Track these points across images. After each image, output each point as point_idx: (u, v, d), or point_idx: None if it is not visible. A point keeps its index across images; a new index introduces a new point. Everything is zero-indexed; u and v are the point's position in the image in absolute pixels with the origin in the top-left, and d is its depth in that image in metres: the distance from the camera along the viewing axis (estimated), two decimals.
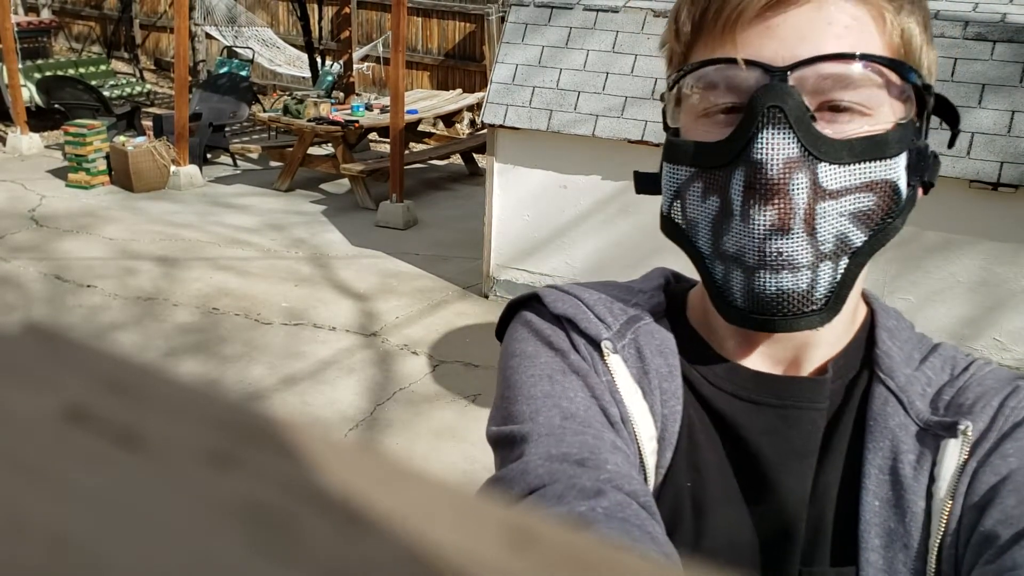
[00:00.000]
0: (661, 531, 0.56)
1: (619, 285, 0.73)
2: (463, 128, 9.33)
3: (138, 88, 10.92)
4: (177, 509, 0.12)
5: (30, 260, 5.81)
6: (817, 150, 0.57)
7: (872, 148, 0.59)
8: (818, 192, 0.58)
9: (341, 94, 9.32)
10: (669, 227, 0.66)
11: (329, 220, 6.97)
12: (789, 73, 0.57)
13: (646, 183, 0.70)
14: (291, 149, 7.84)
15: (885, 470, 0.63)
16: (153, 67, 13.09)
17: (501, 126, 5.08)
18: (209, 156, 8.43)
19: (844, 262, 0.60)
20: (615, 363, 0.66)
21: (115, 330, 4.88)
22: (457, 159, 8.64)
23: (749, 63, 0.58)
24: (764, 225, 0.58)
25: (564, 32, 4.95)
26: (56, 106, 9.01)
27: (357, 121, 7.61)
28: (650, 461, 0.64)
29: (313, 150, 7.97)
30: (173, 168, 7.54)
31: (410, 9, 9.43)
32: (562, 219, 5.18)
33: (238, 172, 8.35)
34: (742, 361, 0.67)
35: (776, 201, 0.57)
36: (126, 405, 0.14)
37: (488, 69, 8.12)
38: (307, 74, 10.24)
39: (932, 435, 0.63)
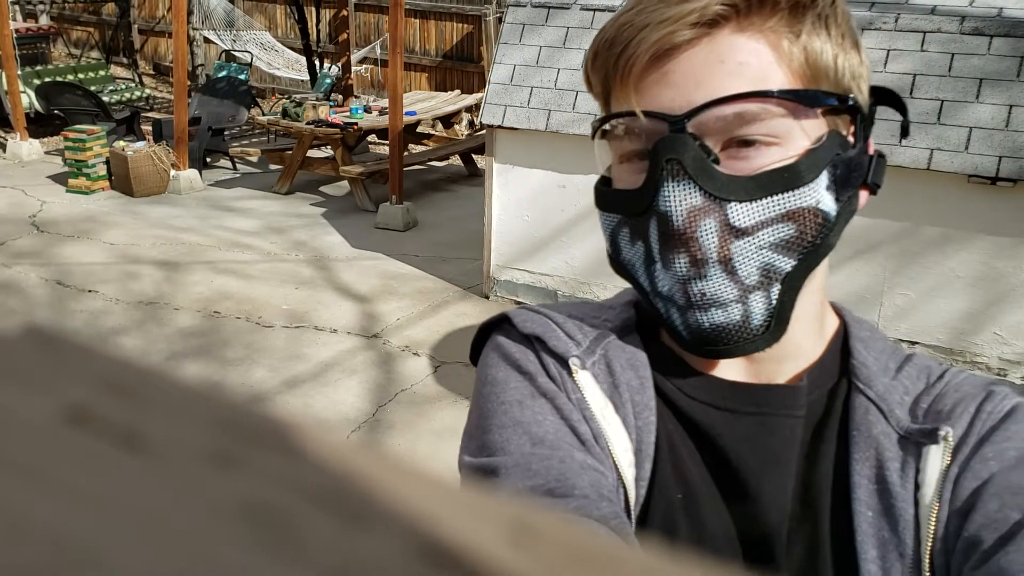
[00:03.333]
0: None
1: (591, 304, 0.74)
2: (462, 129, 9.33)
3: (137, 93, 10.93)
4: (179, 510, 0.12)
5: (31, 266, 5.81)
6: (722, 192, 0.58)
7: (782, 180, 0.59)
8: (731, 232, 0.59)
9: (340, 96, 9.32)
10: (615, 266, 0.68)
11: (329, 222, 6.97)
12: (686, 121, 0.58)
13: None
14: (290, 152, 7.84)
15: (873, 479, 0.63)
16: (152, 72, 13.09)
17: (500, 127, 5.08)
18: (209, 160, 8.44)
19: (776, 288, 0.61)
20: (584, 379, 0.66)
21: (117, 334, 4.88)
22: (456, 160, 8.64)
23: (648, 114, 0.60)
24: (681, 271, 0.60)
25: (561, 32, 4.95)
26: (56, 112, 9.02)
27: (356, 123, 7.61)
28: (628, 474, 0.64)
29: (312, 153, 7.97)
30: (173, 172, 7.55)
31: (407, 11, 9.43)
32: (562, 219, 5.18)
33: (238, 176, 8.36)
34: (716, 373, 0.68)
35: (687, 248, 0.60)
36: (127, 406, 0.14)
37: (486, 70, 8.13)
38: (306, 77, 10.24)
39: (914, 443, 0.63)
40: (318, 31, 10.78)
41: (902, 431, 0.64)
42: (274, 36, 11.23)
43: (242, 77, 9.35)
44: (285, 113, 7.77)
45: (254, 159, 8.65)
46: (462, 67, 10.99)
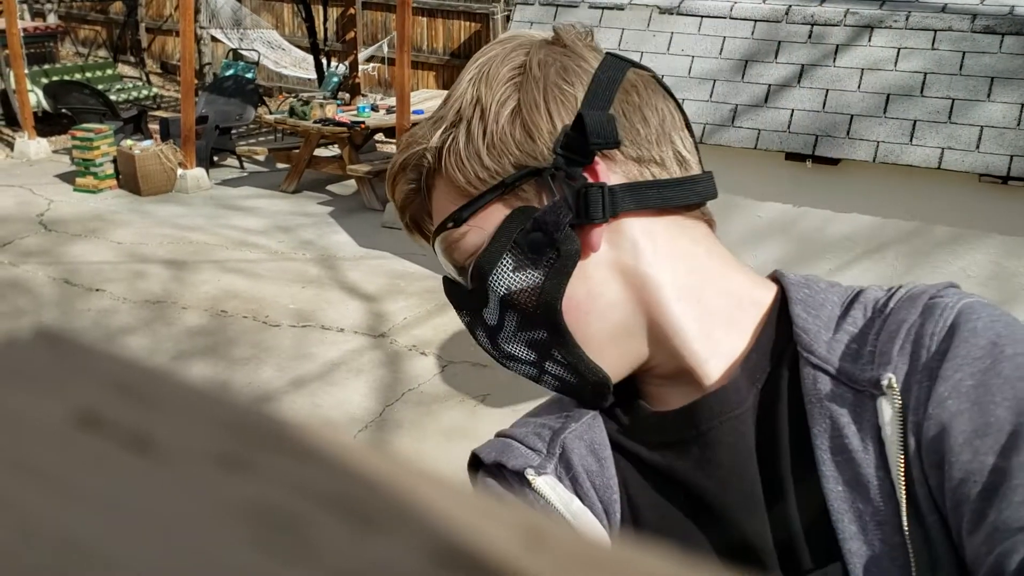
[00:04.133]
0: None
1: (556, 401, 0.75)
2: None
3: (144, 92, 10.96)
4: (188, 512, 0.12)
5: (39, 264, 5.84)
6: (468, 305, 0.70)
7: (478, 282, 0.67)
8: (491, 331, 0.69)
9: (347, 95, 9.33)
10: None
11: (336, 221, 6.98)
12: (441, 263, 0.71)
13: None
14: (297, 151, 7.85)
15: (835, 450, 0.60)
16: (159, 71, 13.13)
17: None
18: (216, 159, 8.46)
19: (558, 353, 0.67)
20: (543, 484, 0.68)
21: (124, 333, 4.90)
22: None
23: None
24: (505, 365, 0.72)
25: None
26: (63, 111, 9.05)
27: (363, 122, 7.62)
28: None
29: (319, 151, 7.99)
30: (180, 171, 7.57)
31: (415, 9, 9.44)
32: None
33: (245, 174, 8.38)
34: (672, 406, 0.68)
35: (489, 352, 0.71)
36: (137, 409, 0.14)
37: None
38: (313, 76, 10.26)
39: (868, 395, 0.59)
40: (325, 29, 10.79)
41: (853, 385, 0.60)
42: (281, 35, 11.25)
43: (249, 76, 9.37)
44: (292, 112, 7.78)
45: (261, 158, 8.67)
46: None
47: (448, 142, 0.66)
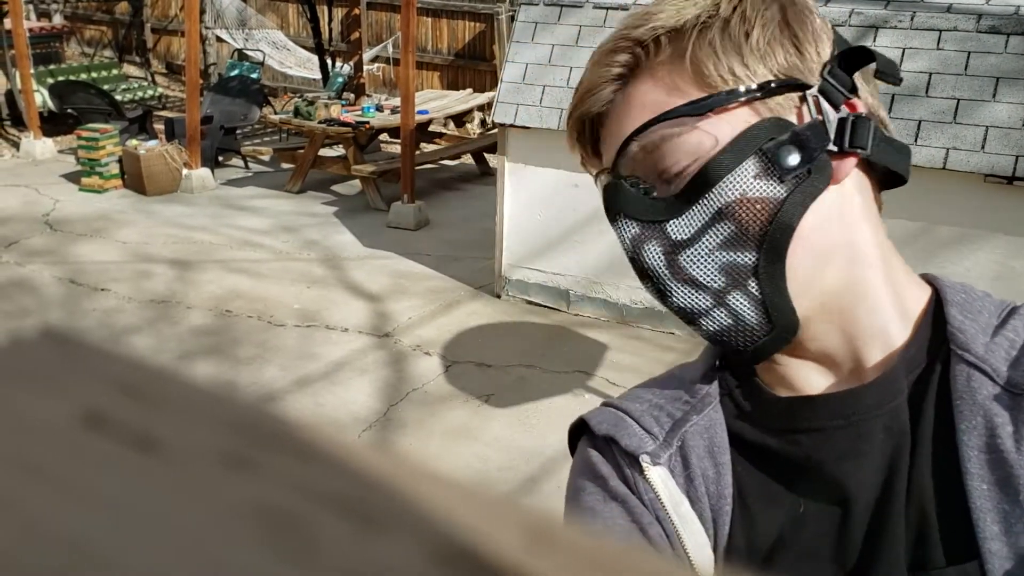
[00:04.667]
0: None
1: (675, 378, 0.73)
2: (474, 128, 9.34)
3: (150, 92, 10.99)
4: (193, 513, 0.12)
5: (45, 264, 5.85)
6: (655, 215, 0.63)
7: (697, 186, 0.61)
8: (675, 247, 0.62)
9: (351, 95, 9.35)
10: None
11: (341, 221, 6.99)
12: (613, 171, 0.65)
13: None
14: (302, 151, 7.86)
15: (985, 448, 0.59)
16: (164, 71, 13.16)
17: (512, 125, 5.08)
18: (221, 159, 8.47)
19: (752, 284, 0.61)
20: (656, 476, 0.67)
21: (129, 333, 4.91)
22: (468, 159, 8.65)
23: (596, 175, 0.68)
24: (653, 294, 0.65)
25: (574, 30, 4.95)
26: (69, 111, 9.07)
27: (368, 122, 7.63)
28: (706, 570, 0.64)
29: (324, 152, 7.99)
30: (185, 171, 7.58)
31: (420, 9, 9.44)
32: (574, 218, 5.18)
33: (250, 174, 8.39)
34: (806, 390, 0.66)
35: (646, 275, 0.64)
36: (142, 409, 0.14)
37: (498, 68, 8.13)
38: (317, 76, 10.27)
39: None
40: (330, 30, 10.81)
41: (1012, 389, 0.60)
42: (286, 35, 11.26)
43: (254, 76, 9.39)
44: (297, 112, 7.79)
45: (266, 158, 8.68)
46: (474, 66, 11.00)
47: (700, 28, 0.62)
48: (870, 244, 0.65)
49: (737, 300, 0.62)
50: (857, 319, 0.63)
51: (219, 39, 11.32)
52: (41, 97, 9.24)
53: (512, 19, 6.79)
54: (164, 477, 0.13)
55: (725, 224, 0.61)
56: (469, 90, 9.83)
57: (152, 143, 7.67)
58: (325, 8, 10.78)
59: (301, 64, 10.71)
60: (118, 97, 9.65)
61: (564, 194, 5.15)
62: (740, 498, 0.66)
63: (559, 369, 4.60)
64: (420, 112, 7.61)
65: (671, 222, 0.62)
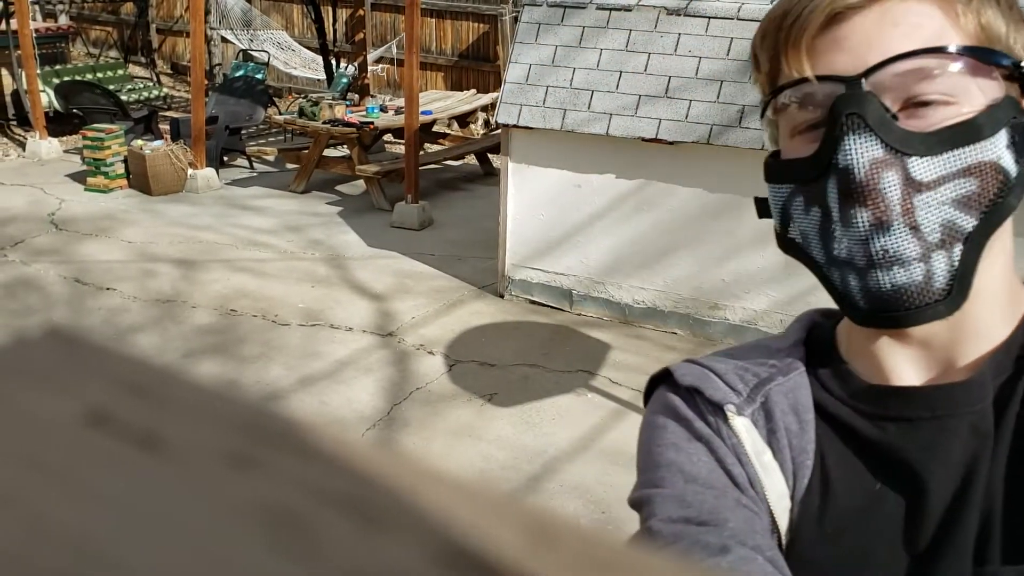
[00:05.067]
0: None
1: (760, 347, 0.74)
2: (477, 128, 9.34)
3: (155, 92, 11.01)
4: (197, 511, 0.12)
5: (50, 263, 5.87)
6: (903, 146, 0.59)
7: (962, 134, 0.59)
8: (913, 186, 0.59)
9: (356, 96, 9.35)
10: (784, 244, 0.68)
11: (345, 221, 6.99)
12: (863, 80, 0.59)
13: (765, 208, 0.70)
14: (307, 151, 7.87)
15: None
16: (170, 71, 13.18)
17: (515, 126, 5.08)
18: (226, 159, 8.48)
19: (958, 248, 0.60)
20: (740, 426, 0.68)
21: (135, 332, 4.92)
22: (472, 159, 8.65)
23: (821, 78, 0.60)
24: (865, 227, 0.60)
25: (577, 31, 4.94)
26: (74, 111, 9.09)
27: (372, 123, 7.63)
28: (783, 519, 0.66)
29: (328, 152, 8.00)
30: (190, 171, 7.60)
31: (423, 10, 9.45)
32: (577, 218, 5.17)
33: (254, 174, 8.40)
34: (891, 381, 0.66)
35: (870, 202, 0.59)
36: (146, 407, 0.14)
37: (502, 69, 8.13)
38: (322, 76, 10.28)
39: None
40: (335, 30, 10.82)
41: None
42: (291, 35, 11.27)
43: (259, 76, 9.40)
44: (301, 112, 7.80)
45: (271, 158, 8.69)
46: (478, 66, 11.00)
47: None
48: (1010, 244, 0.65)
49: (938, 260, 0.60)
50: (977, 315, 0.63)
51: (224, 40, 11.33)
52: (47, 97, 9.26)
53: (516, 20, 6.80)
54: (168, 476, 0.13)
55: (968, 182, 0.59)
56: (473, 91, 9.83)
57: (157, 143, 7.68)
58: (329, 9, 10.78)
59: (306, 65, 10.72)
60: (123, 97, 9.67)
61: (567, 194, 5.15)
62: (820, 459, 0.66)
63: (562, 368, 4.60)
64: (424, 113, 7.61)
65: (918, 159, 0.59)
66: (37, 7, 12.28)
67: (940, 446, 0.63)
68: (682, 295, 5.01)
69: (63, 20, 12.66)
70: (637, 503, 0.68)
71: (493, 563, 0.13)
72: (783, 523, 0.65)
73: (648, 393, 0.76)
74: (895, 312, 0.61)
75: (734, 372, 0.71)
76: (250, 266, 5.95)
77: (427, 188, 7.48)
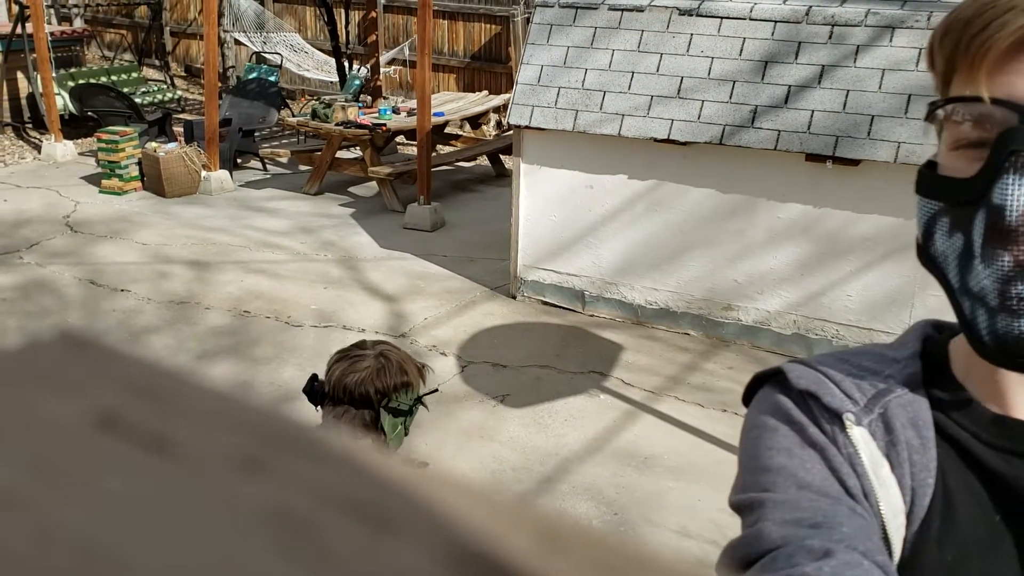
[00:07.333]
0: None
1: (874, 354, 0.71)
2: (489, 130, 9.34)
3: (169, 95, 11.07)
4: (207, 515, 0.12)
5: (66, 265, 5.91)
6: None
7: None
8: None
9: (368, 98, 9.37)
10: (923, 258, 0.65)
11: (358, 223, 7.01)
12: None
13: (923, 184, 0.67)
14: (320, 153, 7.90)
15: None
16: (183, 74, 13.25)
17: (527, 127, 5.08)
18: (239, 161, 8.52)
19: None
20: (858, 436, 0.65)
21: (149, 333, 4.95)
22: (484, 161, 8.65)
23: (998, 102, 0.57)
24: (1005, 269, 0.57)
25: (589, 32, 4.94)
26: (89, 114, 9.15)
27: (384, 124, 7.65)
28: (896, 536, 0.63)
29: (341, 153, 8.02)
30: (204, 173, 7.63)
31: (436, 12, 9.46)
32: (589, 219, 5.17)
33: (268, 176, 8.43)
34: (1016, 414, 0.64)
35: (1017, 247, 0.56)
36: (157, 411, 0.14)
37: (514, 70, 8.13)
38: (335, 78, 10.31)
39: None
40: (347, 33, 10.85)
41: None
42: (303, 38, 11.31)
43: (272, 79, 9.43)
44: (314, 114, 7.82)
45: (284, 160, 8.72)
46: (490, 68, 11.01)
47: None
48: None
49: None
50: None
51: (237, 42, 11.39)
52: (62, 100, 9.33)
53: (528, 21, 6.80)
54: (178, 479, 0.13)
55: None
56: (485, 92, 9.83)
57: (171, 145, 7.72)
58: (342, 11, 10.82)
59: (318, 67, 10.75)
60: (138, 100, 9.73)
61: (579, 195, 5.14)
62: (943, 480, 0.64)
63: (574, 370, 4.59)
64: (436, 114, 7.62)
65: None
66: (52, 11, 12.38)
67: None
68: (695, 296, 4.99)
69: (78, 24, 12.76)
70: (745, 506, 0.65)
71: (503, 567, 0.13)
72: (896, 539, 0.63)
73: (751, 390, 0.73)
74: (1020, 358, 0.58)
75: (850, 380, 0.68)
76: (263, 267, 5.97)
77: (439, 189, 7.49)
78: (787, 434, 0.67)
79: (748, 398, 0.74)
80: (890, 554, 0.62)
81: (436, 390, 2.17)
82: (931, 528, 0.63)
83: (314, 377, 1.89)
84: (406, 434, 1.97)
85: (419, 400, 2.00)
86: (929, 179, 0.63)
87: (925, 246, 0.64)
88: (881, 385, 0.67)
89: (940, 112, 0.61)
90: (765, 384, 0.72)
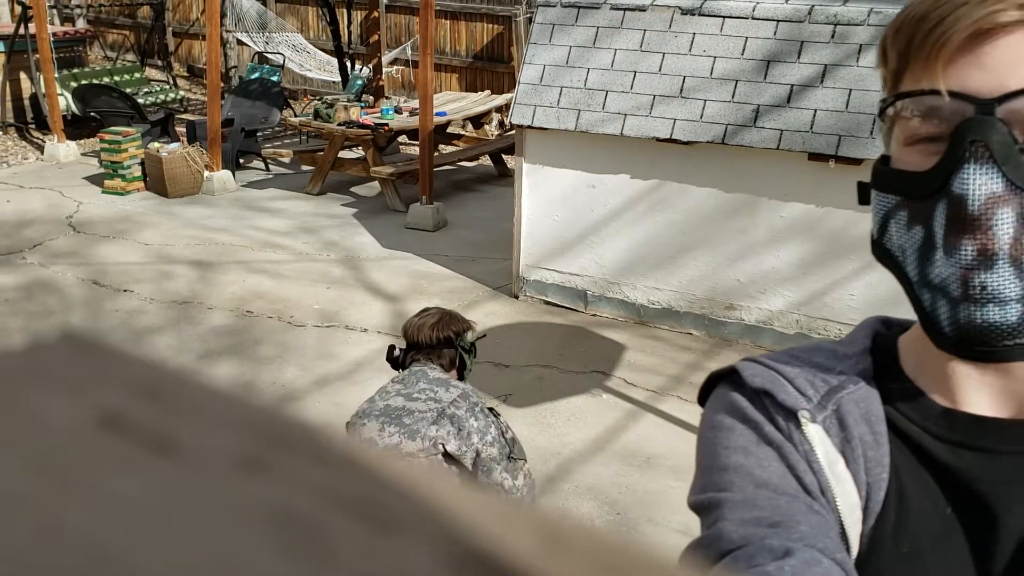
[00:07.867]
0: None
1: (825, 351, 0.71)
2: (492, 129, 9.34)
3: (171, 95, 11.08)
4: (210, 514, 0.12)
5: (68, 265, 5.92)
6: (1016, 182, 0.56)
7: None
8: None
9: (371, 97, 9.38)
10: (879, 252, 0.66)
11: (360, 223, 7.01)
12: (997, 105, 0.56)
13: (866, 195, 0.68)
14: (322, 153, 7.90)
15: None
16: (186, 74, 13.26)
17: (529, 127, 5.08)
18: (242, 161, 8.53)
19: None
20: (813, 433, 0.66)
21: (151, 333, 4.95)
22: (486, 160, 8.65)
23: (953, 94, 0.57)
24: (966, 259, 0.57)
25: (591, 32, 4.94)
26: (92, 114, 9.17)
27: (387, 124, 7.65)
28: (853, 531, 0.64)
29: (343, 153, 8.03)
30: (206, 173, 7.64)
31: (438, 12, 9.46)
32: (591, 218, 5.17)
33: (270, 176, 8.44)
34: (965, 407, 0.64)
35: (978, 236, 0.56)
36: (160, 411, 0.14)
37: (516, 70, 8.13)
38: (337, 78, 10.31)
39: None
40: (349, 33, 10.85)
41: None
42: (306, 38, 11.32)
43: (274, 79, 9.44)
44: (317, 114, 7.83)
45: (286, 160, 8.73)
46: (492, 68, 11.00)
47: None
48: None
49: None
50: None
51: (240, 42, 11.40)
52: (65, 101, 9.34)
53: (530, 21, 6.80)
54: (181, 479, 0.13)
55: None
56: (487, 92, 9.83)
57: (174, 146, 7.73)
58: (344, 11, 10.82)
59: (321, 67, 10.76)
60: (140, 100, 9.74)
61: (581, 195, 5.14)
62: (896, 474, 0.64)
63: (577, 369, 4.59)
64: (438, 114, 7.63)
65: None
66: (55, 11, 12.40)
67: (1015, 481, 0.61)
68: (697, 295, 4.99)
69: (80, 24, 12.77)
70: (703, 506, 0.65)
71: (506, 567, 0.13)
72: (853, 534, 0.63)
73: (706, 389, 0.74)
74: (981, 347, 0.59)
75: (803, 377, 0.68)
76: (266, 268, 5.98)
77: (441, 189, 7.49)
78: (743, 432, 0.67)
79: (704, 397, 0.74)
80: (848, 550, 0.63)
81: (484, 335, 2.84)
82: (886, 522, 0.63)
83: (392, 347, 2.67)
84: (470, 370, 2.62)
85: (476, 342, 2.66)
86: (885, 174, 0.63)
87: (880, 240, 0.65)
88: (834, 381, 0.68)
89: (891, 109, 0.62)
90: (720, 383, 0.72)
